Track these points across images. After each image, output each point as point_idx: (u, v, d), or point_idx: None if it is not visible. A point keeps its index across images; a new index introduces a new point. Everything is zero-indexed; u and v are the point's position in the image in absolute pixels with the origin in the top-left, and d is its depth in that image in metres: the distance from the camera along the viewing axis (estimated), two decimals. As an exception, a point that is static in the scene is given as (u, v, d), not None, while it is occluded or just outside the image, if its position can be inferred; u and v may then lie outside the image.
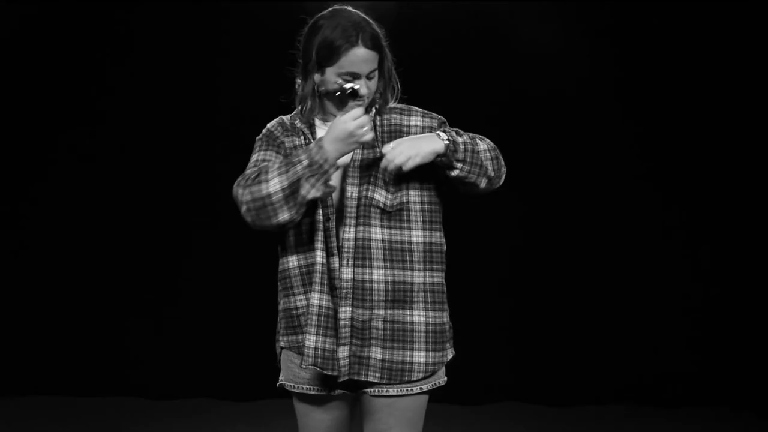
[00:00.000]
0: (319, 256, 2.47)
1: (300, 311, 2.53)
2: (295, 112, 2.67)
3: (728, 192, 5.66)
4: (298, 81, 2.63)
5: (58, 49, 5.53)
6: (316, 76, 2.54)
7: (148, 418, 5.23)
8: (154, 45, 5.57)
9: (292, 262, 2.54)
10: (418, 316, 2.53)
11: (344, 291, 2.47)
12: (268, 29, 5.50)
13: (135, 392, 5.53)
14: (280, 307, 2.60)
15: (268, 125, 2.67)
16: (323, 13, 2.55)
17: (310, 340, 2.47)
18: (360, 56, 2.48)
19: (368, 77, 2.52)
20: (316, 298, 2.47)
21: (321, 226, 2.48)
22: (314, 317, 2.47)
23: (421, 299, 2.53)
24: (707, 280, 5.66)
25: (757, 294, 5.62)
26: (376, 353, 2.48)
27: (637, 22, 5.60)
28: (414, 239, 2.53)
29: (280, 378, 2.64)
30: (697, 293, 5.67)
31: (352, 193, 2.48)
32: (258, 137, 2.65)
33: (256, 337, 5.55)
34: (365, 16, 2.54)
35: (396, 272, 2.50)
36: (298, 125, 2.61)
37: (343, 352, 2.47)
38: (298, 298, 2.54)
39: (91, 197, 5.57)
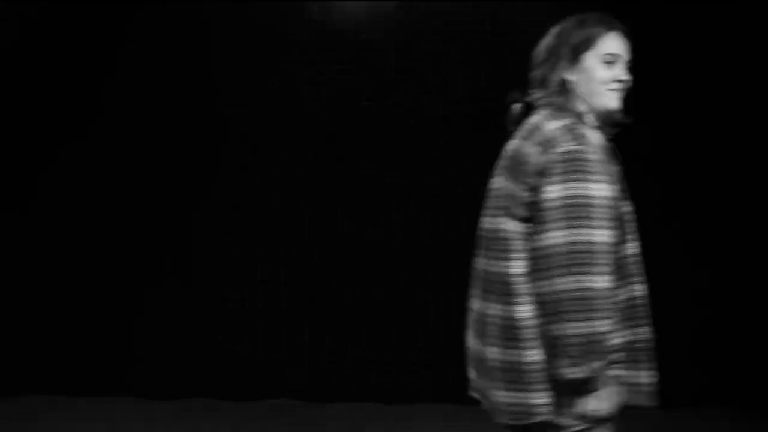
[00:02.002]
0: (642, 288, 2.45)
1: (642, 344, 2.46)
2: (569, 122, 2.36)
3: (731, 191, 5.66)
4: (537, 92, 2.53)
5: (60, 46, 5.53)
6: (569, 71, 2.48)
7: (148, 418, 5.23)
8: (153, 43, 5.57)
9: (638, 290, 2.46)
10: None
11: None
12: (267, 27, 5.51)
13: (135, 392, 5.53)
14: (625, 338, 2.42)
15: (579, 147, 2.28)
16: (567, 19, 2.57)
17: (648, 376, 2.47)
18: (620, 39, 2.49)
19: (626, 67, 2.52)
20: (648, 331, 2.47)
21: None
22: (646, 352, 2.45)
23: None
24: (710, 279, 5.67)
25: (759, 294, 5.63)
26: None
27: (639, 22, 5.60)
28: None
29: (603, 407, 2.39)
30: (699, 293, 5.68)
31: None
32: (571, 159, 2.26)
33: (257, 338, 5.59)
34: None
35: None
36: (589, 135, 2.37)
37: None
38: (641, 330, 2.47)
39: (91, 198, 5.57)
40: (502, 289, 2.29)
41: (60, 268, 5.54)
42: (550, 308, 2.24)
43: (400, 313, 5.48)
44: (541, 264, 2.25)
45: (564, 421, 2.32)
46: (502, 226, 2.35)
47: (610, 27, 2.47)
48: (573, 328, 2.21)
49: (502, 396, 2.35)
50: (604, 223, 2.24)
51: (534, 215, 2.28)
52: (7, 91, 5.54)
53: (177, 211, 5.56)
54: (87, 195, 5.56)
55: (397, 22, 5.59)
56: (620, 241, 2.37)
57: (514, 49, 5.66)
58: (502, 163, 2.48)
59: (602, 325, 2.23)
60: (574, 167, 2.25)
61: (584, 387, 2.31)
